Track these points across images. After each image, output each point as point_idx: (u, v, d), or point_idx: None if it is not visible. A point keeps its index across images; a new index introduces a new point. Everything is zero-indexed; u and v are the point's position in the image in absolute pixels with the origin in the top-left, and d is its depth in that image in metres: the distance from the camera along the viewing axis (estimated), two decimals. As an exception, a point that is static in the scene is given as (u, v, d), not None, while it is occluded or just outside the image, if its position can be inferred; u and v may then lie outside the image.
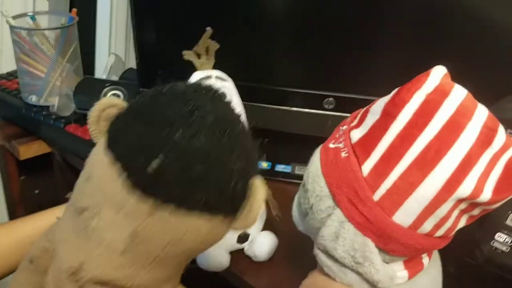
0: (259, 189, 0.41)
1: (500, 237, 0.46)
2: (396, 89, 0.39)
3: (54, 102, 0.92)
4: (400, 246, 0.40)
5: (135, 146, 0.38)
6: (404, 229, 0.39)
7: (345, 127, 0.43)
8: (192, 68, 0.63)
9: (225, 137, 0.39)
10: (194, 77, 0.62)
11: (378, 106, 0.40)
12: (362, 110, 0.43)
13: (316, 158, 0.44)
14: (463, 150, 0.36)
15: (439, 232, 0.40)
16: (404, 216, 0.38)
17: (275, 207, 0.64)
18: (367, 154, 0.39)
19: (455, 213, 0.39)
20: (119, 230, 0.38)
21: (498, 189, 0.37)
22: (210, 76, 0.62)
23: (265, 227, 0.65)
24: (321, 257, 0.43)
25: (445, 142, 0.36)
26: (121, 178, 0.37)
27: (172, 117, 0.38)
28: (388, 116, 0.38)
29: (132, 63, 1.10)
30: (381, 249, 0.40)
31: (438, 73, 0.38)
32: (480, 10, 0.65)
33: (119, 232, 0.38)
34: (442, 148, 0.36)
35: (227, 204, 0.40)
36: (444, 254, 0.46)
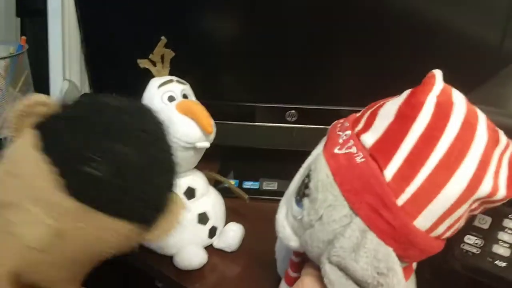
0: (177, 203, 0.46)
1: (469, 239, 0.46)
2: (408, 91, 0.39)
3: (7, 134, 0.88)
4: (418, 251, 0.38)
5: (72, 149, 0.39)
6: (424, 233, 0.38)
7: (348, 132, 0.41)
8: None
9: (160, 154, 0.44)
10: (153, 83, 0.61)
11: (389, 108, 0.39)
12: (367, 114, 0.41)
13: (321, 165, 0.40)
14: (480, 149, 0.37)
15: (447, 234, 0.39)
16: (425, 219, 0.37)
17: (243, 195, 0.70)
18: (388, 158, 0.37)
19: (466, 213, 0.39)
20: (40, 226, 0.39)
21: (509, 185, 0.38)
22: (171, 80, 0.61)
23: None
24: (333, 273, 0.38)
25: (465, 142, 0.36)
26: (51, 178, 0.39)
27: (117, 129, 0.41)
28: (406, 118, 0.37)
29: (88, 88, 1.07)
30: (398, 257, 0.38)
31: (440, 76, 0.38)
32: (441, 17, 0.66)
33: (40, 229, 0.39)
34: (463, 148, 0.36)
35: (151, 214, 0.43)
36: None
